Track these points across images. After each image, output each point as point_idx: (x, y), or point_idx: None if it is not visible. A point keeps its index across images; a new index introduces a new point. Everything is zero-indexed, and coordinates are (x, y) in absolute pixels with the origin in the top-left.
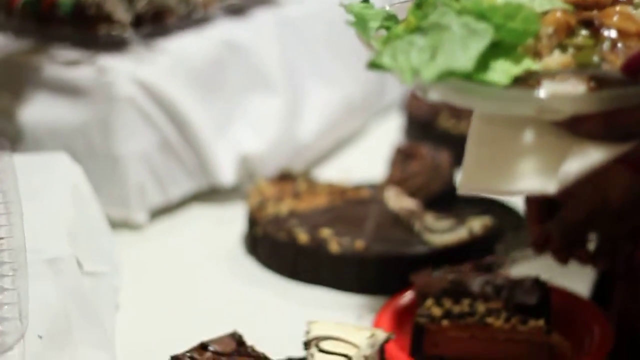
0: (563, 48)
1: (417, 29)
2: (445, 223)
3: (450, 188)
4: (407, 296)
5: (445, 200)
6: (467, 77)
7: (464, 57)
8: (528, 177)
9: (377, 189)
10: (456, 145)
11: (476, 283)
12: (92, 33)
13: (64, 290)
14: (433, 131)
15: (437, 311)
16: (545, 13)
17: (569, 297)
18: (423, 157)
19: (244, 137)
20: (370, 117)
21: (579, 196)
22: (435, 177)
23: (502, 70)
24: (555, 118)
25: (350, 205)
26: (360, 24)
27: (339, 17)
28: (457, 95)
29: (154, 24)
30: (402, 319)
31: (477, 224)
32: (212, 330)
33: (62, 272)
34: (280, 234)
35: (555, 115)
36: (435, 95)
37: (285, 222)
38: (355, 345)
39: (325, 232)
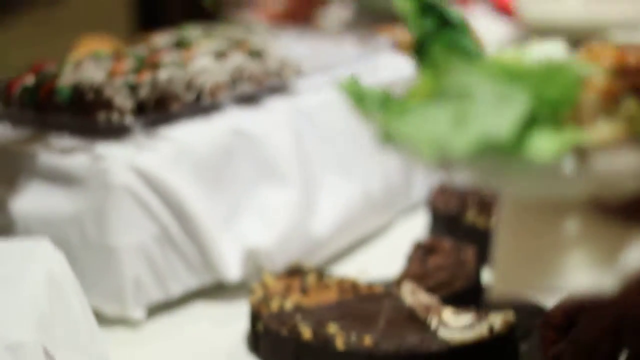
0: (608, 116)
1: (434, 94)
2: (464, 319)
3: (475, 285)
4: None
5: (469, 299)
6: (508, 147)
7: (501, 123)
8: (578, 272)
9: (392, 285)
10: (484, 242)
11: None
12: (91, 120)
13: None
14: (460, 227)
15: None
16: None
17: None
18: (446, 252)
19: (251, 230)
20: (395, 215)
21: (594, 309)
22: (459, 274)
23: (545, 142)
24: (610, 198)
25: (361, 300)
26: (358, 99)
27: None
28: (489, 173)
29: (158, 111)
30: None
31: (498, 320)
32: None
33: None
34: (283, 329)
35: (612, 193)
36: (461, 175)
37: (289, 318)
38: None
39: (332, 328)
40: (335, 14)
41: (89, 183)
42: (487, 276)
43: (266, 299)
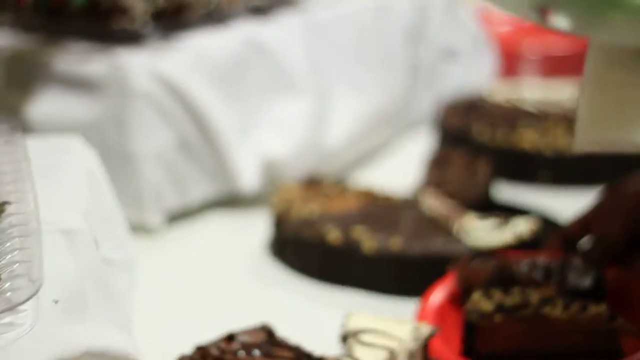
0: None
1: None
2: (487, 223)
3: (486, 198)
4: (447, 287)
5: (482, 207)
6: None
7: None
8: None
9: (412, 194)
10: (491, 156)
11: (522, 267)
12: (107, 27)
13: (81, 263)
14: (467, 142)
15: (487, 305)
16: None
17: (620, 273)
18: (459, 164)
19: (267, 140)
20: (399, 129)
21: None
22: (472, 185)
23: None
24: None
25: (384, 209)
26: None
27: (369, 21)
28: (587, 18)
29: (174, 18)
30: (445, 312)
31: (523, 226)
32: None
33: (79, 244)
34: (310, 232)
35: None
36: (560, 20)
37: (314, 223)
38: (397, 339)
39: (358, 232)
40: None
41: (108, 89)
42: (496, 187)
43: (289, 205)
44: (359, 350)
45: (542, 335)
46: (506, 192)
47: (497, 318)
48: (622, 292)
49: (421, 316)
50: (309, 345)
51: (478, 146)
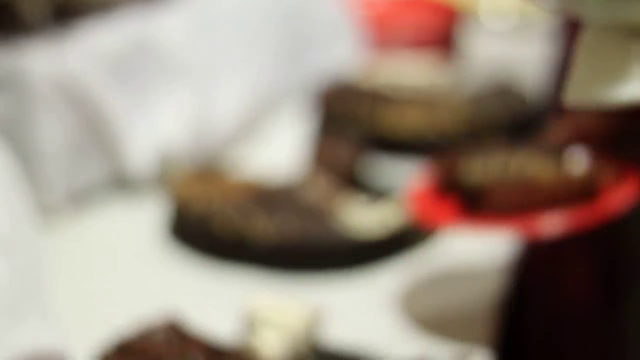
0: None
1: None
2: (365, 206)
3: (363, 180)
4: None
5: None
6: None
7: None
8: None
9: (297, 178)
10: (367, 138)
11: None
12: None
13: (14, 267)
14: (344, 125)
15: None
16: None
17: None
18: (337, 147)
19: (158, 123)
20: (281, 104)
21: None
22: (347, 167)
23: None
24: None
25: (273, 194)
26: None
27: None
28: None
29: (64, 12)
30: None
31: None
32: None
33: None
34: (203, 223)
35: None
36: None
37: (212, 211)
38: (295, 319)
39: (253, 218)
40: None
41: (7, 87)
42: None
43: (187, 192)
44: (259, 332)
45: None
46: (385, 173)
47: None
48: None
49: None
50: (212, 327)
51: (355, 129)
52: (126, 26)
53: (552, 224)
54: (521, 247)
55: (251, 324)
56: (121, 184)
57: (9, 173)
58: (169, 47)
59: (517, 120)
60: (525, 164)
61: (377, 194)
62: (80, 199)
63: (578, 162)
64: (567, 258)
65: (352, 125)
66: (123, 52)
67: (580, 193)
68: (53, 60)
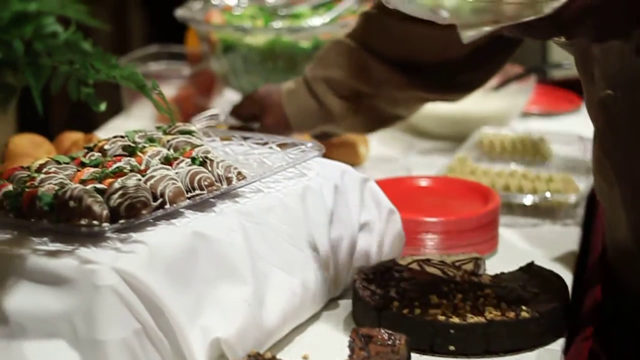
0: None
1: None
2: None
3: None
4: None
5: None
6: None
7: None
8: None
9: None
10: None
11: None
12: (73, 226)
13: None
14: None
15: None
16: None
17: None
18: (382, 340)
19: (214, 323)
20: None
21: None
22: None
23: None
24: None
25: None
26: None
27: (296, 205)
28: None
29: (128, 216)
30: None
31: None
32: None
33: None
34: None
35: None
36: None
37: None
38: None
39: None
40: None
41: (77, 283)
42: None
43: None
44: None
45: None
46: None
47: None
48: None
49: None
50: None
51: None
52: (182, 229)
53: None
54: None
55: None
56: None
57: None
58: (224, 247)
59: None
60: None
61: None
62: None
63: None
64: None
65: None
66: (181, 252)
67: None
68: (118, 261)
